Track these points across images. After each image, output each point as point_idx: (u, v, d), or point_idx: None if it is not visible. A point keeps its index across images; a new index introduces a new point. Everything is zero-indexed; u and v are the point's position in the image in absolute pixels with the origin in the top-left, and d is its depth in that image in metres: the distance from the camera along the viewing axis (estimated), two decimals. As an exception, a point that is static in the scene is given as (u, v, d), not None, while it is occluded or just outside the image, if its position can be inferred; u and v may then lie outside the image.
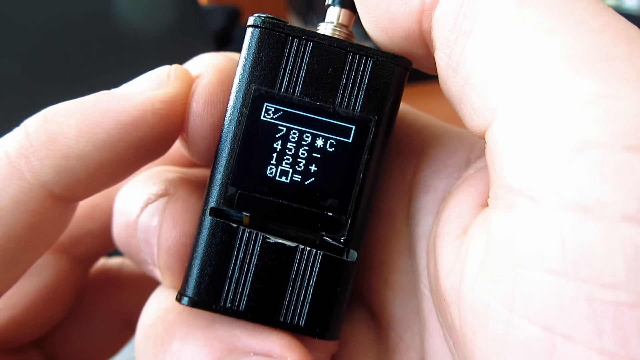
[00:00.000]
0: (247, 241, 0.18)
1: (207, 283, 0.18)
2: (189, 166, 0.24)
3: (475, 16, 0.16)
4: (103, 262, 0.27)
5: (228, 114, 0.18)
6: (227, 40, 0.79)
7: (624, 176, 0.13)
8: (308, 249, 0.18)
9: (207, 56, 0.21)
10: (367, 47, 0.18)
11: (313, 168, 0.18)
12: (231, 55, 0.21)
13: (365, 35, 0.19)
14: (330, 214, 0.18)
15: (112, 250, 0.25)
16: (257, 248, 0.18)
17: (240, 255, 0.18)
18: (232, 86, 0.18)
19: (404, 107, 0.21)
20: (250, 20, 0.18)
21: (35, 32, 0.49)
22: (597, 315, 0.13)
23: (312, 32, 0.18)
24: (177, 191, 0.20)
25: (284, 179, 0.18)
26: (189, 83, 0.19)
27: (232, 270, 0.18)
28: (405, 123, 0.22)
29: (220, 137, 0.18)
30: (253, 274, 0.18)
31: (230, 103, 0.18)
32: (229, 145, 0.18)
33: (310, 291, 0.18)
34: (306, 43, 0.18)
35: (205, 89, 0.19)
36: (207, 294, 0.18)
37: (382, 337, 0.21)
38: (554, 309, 0.13)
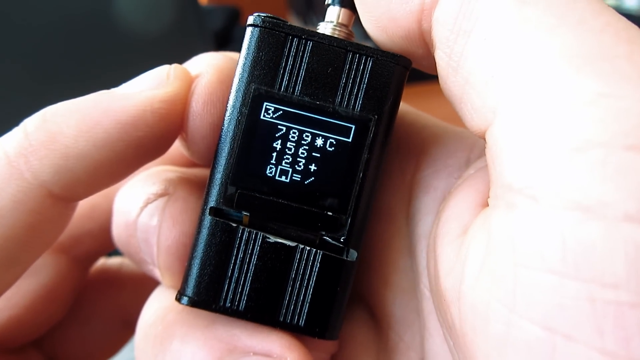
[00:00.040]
0: (247, 241, 0.18)
1: (206, 283, 0.18)
2: (188, 166, 0.24)
3: (475, 16, 0.16)
4: (103, 262, 0.27)
5: (228, 114, 0.18)
6: (227, 40, 0.79)
7: (625, 176, 0.13)
8: (308, 248, 0.18)
9: (207, 56, 0.21)
10: (367, 47, 0.18)
11: (313, 167, 0.18)
12: (231, 54, 0.21)
13: (365, 34, 0.19)
14: (330, 213, 0.18)
15: (112, 250, 0.25)
16: (257, 248, 0.18)
17: (240, 255, 0.18)
18: (231, 86, 0.18)
19: (403, 106, 0.21)
20: (250, 20, 0.18)
21: (35, 32, 0.49)
22: (598, 315, 0.13)
23: (312, 31, 0.18)
24: (176, 191, 0.20)
25: (283, 178, 0.18)
26: (189, 82, 0.19)
27: (232, 269, 0.18)
28: (405, 123, 0.22)
29: (220, 136, 0.18)
30: (253, 273, 0.18)
31: (230, 102, 0.18)
32: (228, 145, 0.18)
33: (310, 291, 0.18)
34: (306, 42, 0.18)
35: (205, 89, 0.19)
36: (207, 293, 0.18)
37: (382, 337, 0.21)
38: (555, 308, 0.13)
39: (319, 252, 0.18)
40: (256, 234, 0.18)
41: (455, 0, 0.16)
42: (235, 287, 0.18)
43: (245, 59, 0.18)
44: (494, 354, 0.14)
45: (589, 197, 0.13)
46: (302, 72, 0.18)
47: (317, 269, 0.18)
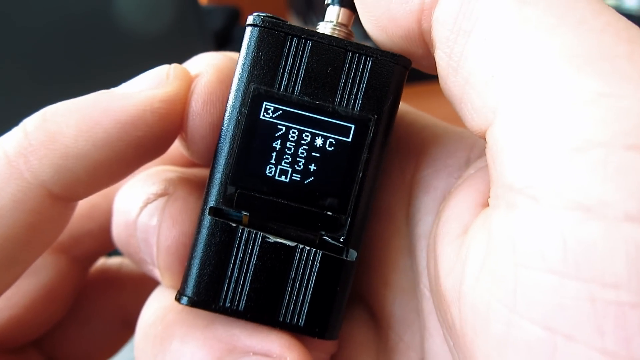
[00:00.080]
0: (247, 241, 0.18)
1: (206, 283, 0.18)
2: (188, 166, 0.24)
3: (475, 15, 0.16)
4: (102, 261, 0.27)
5: (227, 113, 0.18)
6: (227, 40, 0.79)
7: (625, 175, 0.13)
8: (307, 248, 0.18)
9: (207, 55, 0.21)
10: (366, 46, 0.18)
11: (312, 167, 0.18)
12: (230, 54, 0.21)
13: (364, 34, 0.19)
14: (329, 213, 0.18)
15: (112, 250, 0.25)
16: (257, 247, 0.18)
17: (240, 255, 0.18)
18: (231, 85, 0.18)
19: (403, 106, 0.21)
20: (250, 19, 0.18)
21: (35, 32, 0.49)
22: (598, 315, 0.13)
23: (312, 31, 0.18)
24: (176, 191, 0.20)
25: (283, 178, 0.18)
26: (188, 82, 0.19)
27: (232, 269, 0.18)
28: (405, 122, 0.22)
29: (220, 136, 0.18)
30: (252, 273, 0.18)
31: (230, 102, 0.18)
32: (228, 145, 0.18)
33: (310, 291, 0.18)
34: (305, 42, 0.18)
35: (205, 88, 0.19)
36: (207, 293, 0.18)
37: (382, 337, 0.21)
38: (556, 309, 0.13)
39: (319, 252, 0.18)
40: (256, 234, 0.18)
41: (455, 0, 0.16)
42: (235, 287, 0.18)
43: (245, 58, 0.18)
44: (494, 354, 0.14)
45: (590, 197, 0.13)
46: (302, 72, 0.18)
47: (316, 269, 0.18)
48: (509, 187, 0.15)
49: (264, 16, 0.18)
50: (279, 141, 0.18)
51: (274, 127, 0.18)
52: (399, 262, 0.21)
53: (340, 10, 0.20)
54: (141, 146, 0.18)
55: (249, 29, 0.18)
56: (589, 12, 0.15)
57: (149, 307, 0.21)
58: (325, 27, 0.20)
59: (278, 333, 0.18)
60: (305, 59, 0.18)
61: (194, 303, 0.18)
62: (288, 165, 0.18)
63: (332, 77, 0.18)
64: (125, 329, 0.26)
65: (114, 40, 0.52)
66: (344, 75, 0.18)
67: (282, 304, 0.18)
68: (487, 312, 0.15)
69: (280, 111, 0.18)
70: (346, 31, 0.20)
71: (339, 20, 0.20)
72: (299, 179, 0.18)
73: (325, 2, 0.20)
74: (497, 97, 0.15)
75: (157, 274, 0.21)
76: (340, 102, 0.18)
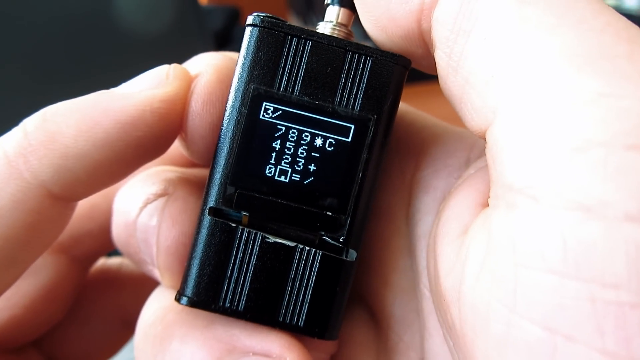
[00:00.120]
0: (246, 241, 0.18)
1: (206, 283, 0.18)
2: (188, 166, 0.24)
3: (475, 15, 0.15)
4: (102, 262, 0.27)
5: (227, 114, 0.18)
6: (227, 40, 0.79)
7: (625, 175, 0.13)
8: (307, 248, 0.18)
9: (206, 55, 0.21)
10: (366, 46, 0.18)
11: (312, 167, 0.18)
12: (230, 54, 0.21)
13: (364, 34, 0.19)
14: (329, 213, 0.18)
15: (112, 250, 0.25)
16: (256, 248, 0.18)
17: (240, 255, 0.18)
18: (231, 85, 0.18)
19: (403, 106, 0.21)
20: (249, 20, 0.18)
21: (35, 32, 0.49)
22: (598, 316, 0.13)
23: (311, 31, 0.18)
24: (176, 191, 0.20)
25: (283, 178, 0.18)
26: (188, 82, 0.19)
27: (231, 270, 0.18)
28: (405, 122, 0.22)
29: (219, 136, 0.18)
30: (252, 273, 0.18)
31: (229, 102, 0.18)
32: (228, 145, 0.18)
33: (310, 291, 0.18)
34: (305, 42, 0.18)
35: (205, 88, 0.19)
36: (206, 293, 0.18)
37: (382, 337, 0.21)
38: (556, 309, 0.13)
39: (319, 252, 0.18)
40: (255, 234, 0.18)
41: (454, 0, 0.16)
42: (235, 287, 0.18)
43: (245, 58, 0.18)
44: (494, 354, 0.14)
45: (590, 197, 0.13)
46: (302, 72, 0.18)
47: (316, 269, 0.18)
48: (509, 187, 0.14)
49: (263, 16, 0.18)
50: (278, 141, 0.18)
51: (273, 127, 0.18)
52: (399, 262, 0.21)
53: (340, 10, 0.20)
54: (141, 146, 0.18)
55: (248, 29, 0.18)
56: (589, 12, 0.15)
57: (149, 307, 0.21)
58: (325, 27, 0.19)
59: (278, 333, 0.18)
60: (305, 59, 0.18)
61: (193, 303, 0.18)
62: (288, 166, 0.18)
63: (331, 77, 0.18)
64: (125, 329, 0.26)
65: (114, 40, 0.52)
66: (343, 75, 0.18)
67: (281, 304, 0.18)
68: (487, 312, 0.15)
69: (280, 111, 0.18)
70: (346, 31, 0.20)
71: (339, 20, 0.20)
72: (298, 179, 0.18)
73: (325, 2, 0.20)
74: (497, 97, 0.15)
75: (156, 274, 0.21)
76: (340, 102, 0.18)
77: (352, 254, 0.19)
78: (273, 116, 0.18)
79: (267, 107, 0.18)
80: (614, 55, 0.14)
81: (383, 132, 0.18)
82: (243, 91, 0.18)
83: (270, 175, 0.18)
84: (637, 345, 0.12)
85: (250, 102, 0.18)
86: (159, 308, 0.20)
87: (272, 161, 0.18)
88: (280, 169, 0.18)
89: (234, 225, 0.18)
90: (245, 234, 0.18)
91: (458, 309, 0.16)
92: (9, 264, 0.18)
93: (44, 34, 0.49)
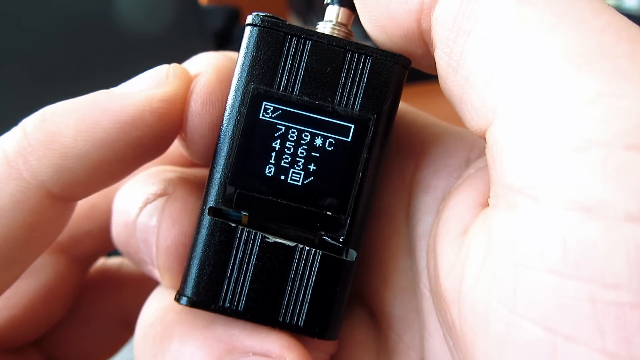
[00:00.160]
0: (246, 241, 0.18)
1: (205, 283, 0.18)
2: (187, 166, 0.24)
3: (475, 15, 0.15)
4: (102, 262, 0.27)
5: (227, 113, 0.18)
6: (227, 40, 0.79)
7: (625, 175, 0.13)
8: (307, 248, 0.18)
9: (206, 55, 0.21)
10: (366, 46, 0.18)
11: (312, 167, 0.18)
12: (230, 54, 0.21)
13: (364, 34, 0.19)
14: (329, 213, 0.18)
15: (112, 250, 0.25)
16: (256, 248, 0.18)
17: (239, 255, 0.18)
18: (230, 85, 0.18)
19: (403, 106, 0.21)
20: (249, 19, 0.18)
21: (35, 32, 0.49)
22: (599, 316, 0.13)
23: (311, 30, 0.18)
24: (175, 191, 0.20)
25: (282, 178, 0.18)
26: (188, 82, 0.19)
27: (231, 270, 0.18)
28: (405, 122, 0.22)
29: (219, 136, 0.18)
30: (252, 273, 0.18)
31: (229, 102, 0.18)
32: (227, 145, 0.18)
33: (310, 291, 0.18)
34: (305, 42, 0.18)
35: (204, 88, 0.19)
36: (206, 293, 0.18)
37: (382, 337, 0.21)
38: (556, 309, 0.13)
39: (319, 252, 0.18)
40: (255, 234, 0.18)
41: None
42: (235, 287, 0.18)
43: (244, 58, 0.18)
44: (494, 354, 0.14)
45: (590, 197, 0.13)
46: (301, 72, 0.18)
47: (316, 269, 0.18)
48: (509, 187, 0.14)
49: (263, 16, 0.18)
50: (278, 141, 0.18)
51: (273, 127, 0.18)
52: (399, 262, 0.21)
53: (339, 9, 0.20)
54: (141, 146, 0.18)
55: (248, 29, 0.18)
56: (589, 12, 0.14)
57: (149, 307, 0.21)
58: (324, 27, 0.19)
59: (278, 333, 0.18)
60: (304, 59, 0.18)
61: (193, 303, 0.18)
62: (287, 165, 0.18)
63: (331, 77, 0.18)
64: (124, 329, 0.26)
65: (113, 40, 0.52)
66: (343, 75, 0.18)
67: (281, 304, 0.18)
68: (487, 312, 0.15)
69: (280, 111, 0.18)
70: (346, 31, 0.20)
71: (339, 20, 0.20)
72: (298, 178, 0.18)
73: (325, 2, 0.20)
74: (497, 97, 0.15)
75: (156, 274, 0.21)
76: (339, 101, 0.18)
77: (352, 254, 0.19)
78: (273, 116, 0.18)
79: (266, 106, 0.18)
80: (614, 55, 0.14)
81: (383, 131, 0.18)
82: (243, 91, 0.18)
83: (270, 175, 0.18)
84: (637, 345, 0.12)
85: (250, 101, 0.18)
86: (159, 308, 0.20)
87: (272, 161, 0.18)
88: (280, 168, 0.18)
89: (233, 225, 0.18)
90: (245, 234, 0.18)
91: (458, 309, 0.16)
92: (9, 264, 0.18)
93: (44, 34, 0.49)
